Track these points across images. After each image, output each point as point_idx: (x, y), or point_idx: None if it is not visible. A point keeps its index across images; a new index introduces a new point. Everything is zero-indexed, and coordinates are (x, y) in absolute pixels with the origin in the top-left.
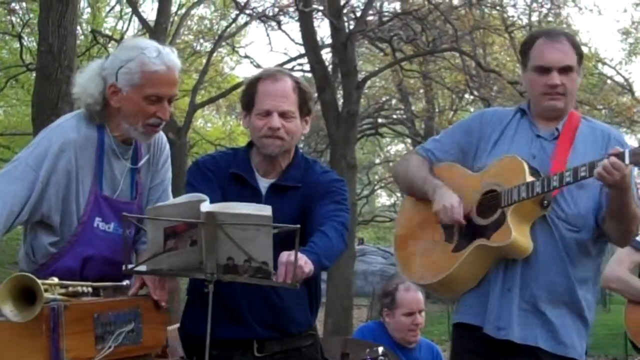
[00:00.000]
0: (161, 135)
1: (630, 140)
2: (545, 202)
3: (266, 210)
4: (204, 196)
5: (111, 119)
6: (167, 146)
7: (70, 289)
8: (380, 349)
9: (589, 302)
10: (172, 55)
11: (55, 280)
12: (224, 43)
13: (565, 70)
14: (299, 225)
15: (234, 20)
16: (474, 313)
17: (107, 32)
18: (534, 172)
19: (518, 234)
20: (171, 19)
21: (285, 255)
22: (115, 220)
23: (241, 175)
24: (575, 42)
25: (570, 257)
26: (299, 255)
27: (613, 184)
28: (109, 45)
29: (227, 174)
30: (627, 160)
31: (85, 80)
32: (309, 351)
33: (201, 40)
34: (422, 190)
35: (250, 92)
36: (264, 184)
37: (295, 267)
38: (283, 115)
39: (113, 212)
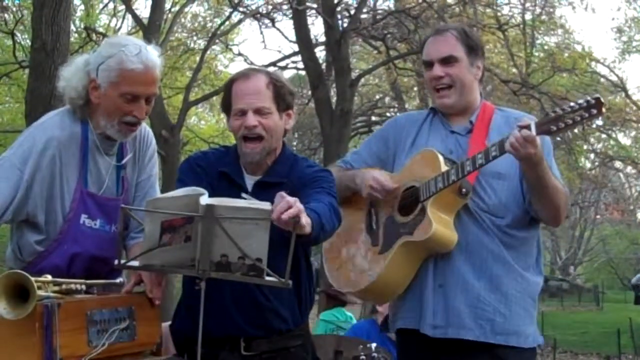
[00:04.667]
0: (147, 131)
1: (623, 140)
2: (464, 190)
3: (266, 204)
4: (203, 190)
5: (94, 115)
6: (154, 141)
7: (64, 286)
8: (374, 346)
9: (534, 286)
10: (152, 54)
11: (49, 277)
12: (217, 41)
13: (447, 60)
14: None
15: (228, 17)
16: (411, 316)
17: (100, 29)
18: (450, 163)
19: (440, 226)
20: (165, 17)
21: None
22: (101, 217)
23: (228, 174)
24: (464, 34)
25: (505, 246)
26: (298, 203)
27: (526, 157)
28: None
29: (216, 172)
30: (534, 131)
31: (70, 73)
32: (298, 351)
33: (195, 38)
34: (343, 185)
35: (226, 95)
36: (250, 181)
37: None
38: (258, 112)
39: (99, 209)
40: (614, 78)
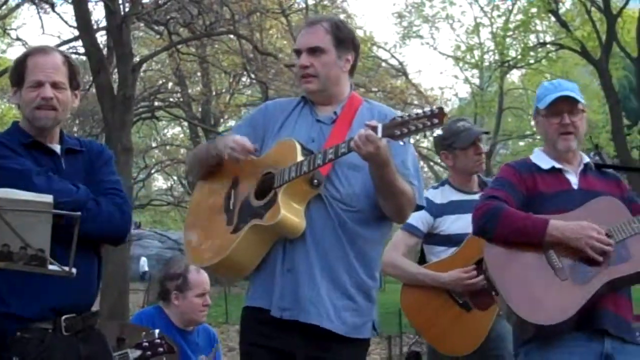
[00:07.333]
0: None
1: None
2: (316, 181)
3: (47, 197)
4: None
5: None
6: None
7: None
8: (157, 332)
9: (371, 282)
10: None
11: None
12: None
13: (313, 51)
14: (79, 213)
15: (5, 1)
16: (261, 296)
17: None
18: (308, 153)
19: (288, 213)
20: None
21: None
22: None
23: (39, 141)
24: (335, 27)
25: (349, 237)
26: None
27: (368, 156)
28: None
29: (17, 146)
30: (379, 134)
31: None
32: (98, 329)
33: None
34: (207, 153)
35: (20, 68)
36: (56, 148)
37: None
38: (55, 86)
39: None
40: (394, 62)
